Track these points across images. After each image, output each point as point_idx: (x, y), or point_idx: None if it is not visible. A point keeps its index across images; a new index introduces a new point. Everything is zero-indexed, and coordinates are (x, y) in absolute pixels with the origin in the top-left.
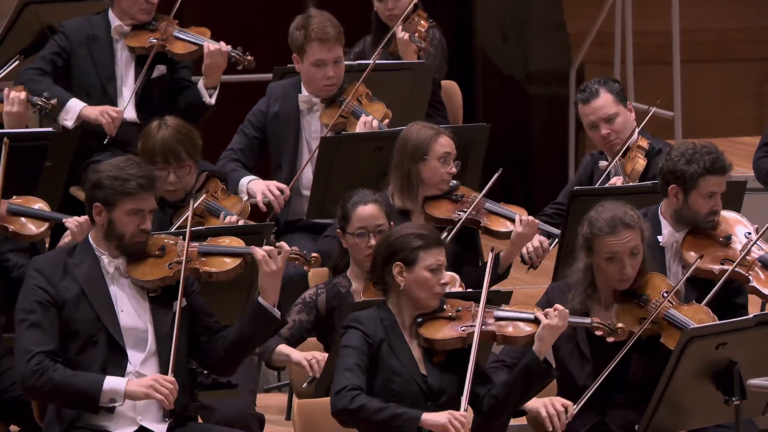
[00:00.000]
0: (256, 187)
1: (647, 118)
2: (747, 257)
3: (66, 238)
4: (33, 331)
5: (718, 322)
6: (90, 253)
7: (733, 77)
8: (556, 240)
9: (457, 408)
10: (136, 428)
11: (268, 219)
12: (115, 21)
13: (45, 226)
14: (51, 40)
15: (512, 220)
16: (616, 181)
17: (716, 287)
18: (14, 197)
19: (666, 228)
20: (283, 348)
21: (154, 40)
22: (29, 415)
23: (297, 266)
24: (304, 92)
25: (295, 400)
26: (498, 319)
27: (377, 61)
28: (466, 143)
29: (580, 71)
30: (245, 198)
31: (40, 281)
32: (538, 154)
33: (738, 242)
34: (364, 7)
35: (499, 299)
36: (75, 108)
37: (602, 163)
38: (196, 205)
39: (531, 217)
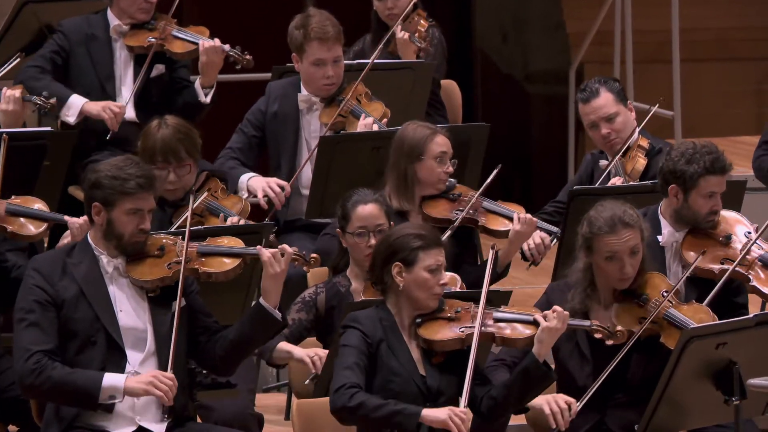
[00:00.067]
0: (257, 184)
1: (649, 117)
2: (747, 257)
3: (65, 239)
4: (31, 330)
5: (718, 321)
6: (89, 253)
7: (733, 76)
8: (557, 236)
9: None
10: (134, 428)
11: (269, 217)
12: (113, 20)
13: (44, 226)
14: (50, 39)
15: (510, 219)
16: (616, 181)
17: (717, 287)
18: (13, 197)
19: (666, 228)
20: (285, 345)
21: (153, 40)
22: (28, 414)
23: (297, 267)
24: (304, 91)
25: (294, 399)
26: (497, 320)
27: (376, 60)
28: (465, 143)
29: (580, 71)
30: (245, 195)
31: (38, 281)
32: (538, 154)
33: (738, 242)
34: (363, 6)
35: (498, 299)
36: (77, 104)
37: (603, 163)
38: (196, 204)
39: (529, 215)
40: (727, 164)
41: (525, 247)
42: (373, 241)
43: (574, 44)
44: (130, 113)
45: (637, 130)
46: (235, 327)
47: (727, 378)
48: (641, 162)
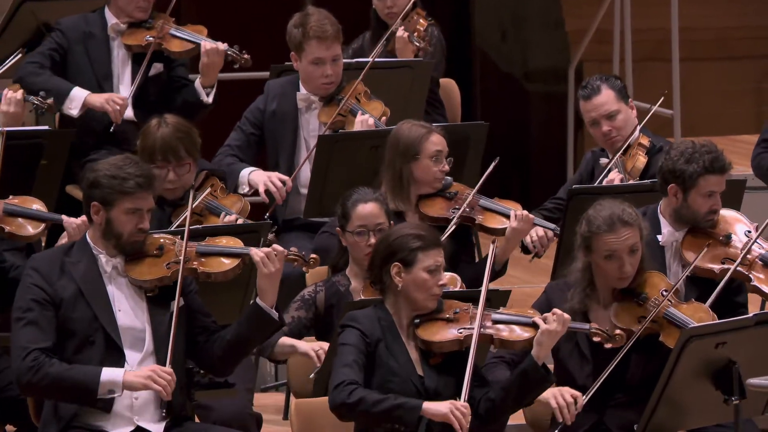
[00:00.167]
0: (258, 178)
1: (650, 114)
2: (747, 256)
3: (63, 240)
4: (29, 328)
5: (717, 321)
6: (87, 252)
7: (732, 75)
8: (556, 233)
9: None
10: (133, 428)
11: (269, 212)
12: (111, 19)
13: (42, 226)
14: (47, 37)
15: (507, 216)
16: (614, 176)
17: (719, 287)
18: (11, 197)
19: (665, 227)
20: (287, 339)
21: (151, 38)
22: (26, 414)
23: (296, 267)
24: (303, 90)
25: (292, 399)
26: (496, 322)
27: (376, 59)
28: (464, 141)
29: (579, 69)
30: (246, 189)
31: (37, 280)
32: (537, 152)
33: (738, 241)
34: (362, 5)
35: (497, 299)
36: (79, 96)
37: (603, 161)
38: (195, 203)
39: (525, 212)
40: (726, 163)
41: (528, 239)
42: (373, 240)
43: (574, 42)
44: (129, 112)
45: (638, 128)
46: (233, 327)
47: (726, 377)
48: (641, 160)
